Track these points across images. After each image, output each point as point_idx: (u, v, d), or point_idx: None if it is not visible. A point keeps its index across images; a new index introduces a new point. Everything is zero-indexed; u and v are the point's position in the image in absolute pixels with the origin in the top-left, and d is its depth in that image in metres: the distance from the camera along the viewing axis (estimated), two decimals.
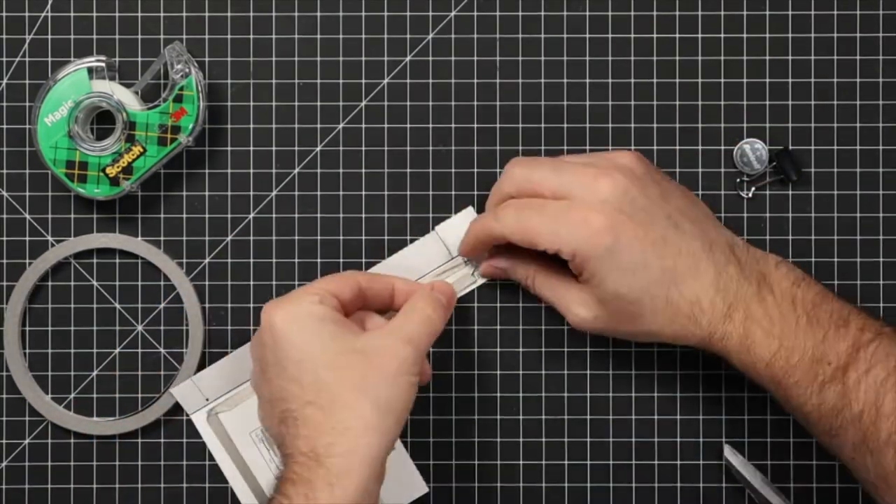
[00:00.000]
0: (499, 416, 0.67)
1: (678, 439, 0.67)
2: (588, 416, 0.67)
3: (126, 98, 0.64)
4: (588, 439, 0.67)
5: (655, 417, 0.67)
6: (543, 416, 0.67)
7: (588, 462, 0.67)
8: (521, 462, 0.67)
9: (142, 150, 0.64)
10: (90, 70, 0.64)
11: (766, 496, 0.65)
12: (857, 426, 0.56)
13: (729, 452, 0.65)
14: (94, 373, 0.67)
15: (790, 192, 0.67)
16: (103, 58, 0.65)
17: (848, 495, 0.67)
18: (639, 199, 0.58)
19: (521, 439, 0.67)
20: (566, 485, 0.67)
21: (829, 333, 0.58)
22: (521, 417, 0.67)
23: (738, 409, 0.67)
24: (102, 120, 0.66)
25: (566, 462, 0.67)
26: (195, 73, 0.64)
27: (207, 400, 0.66)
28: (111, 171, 0.64)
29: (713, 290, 0.58)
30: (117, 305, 0.67)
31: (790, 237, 0.67)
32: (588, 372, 0.67)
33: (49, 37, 0.67)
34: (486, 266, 0.65)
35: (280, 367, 0.57)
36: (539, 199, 0.60)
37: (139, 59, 0.67)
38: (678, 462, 0.67)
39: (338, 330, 0.57)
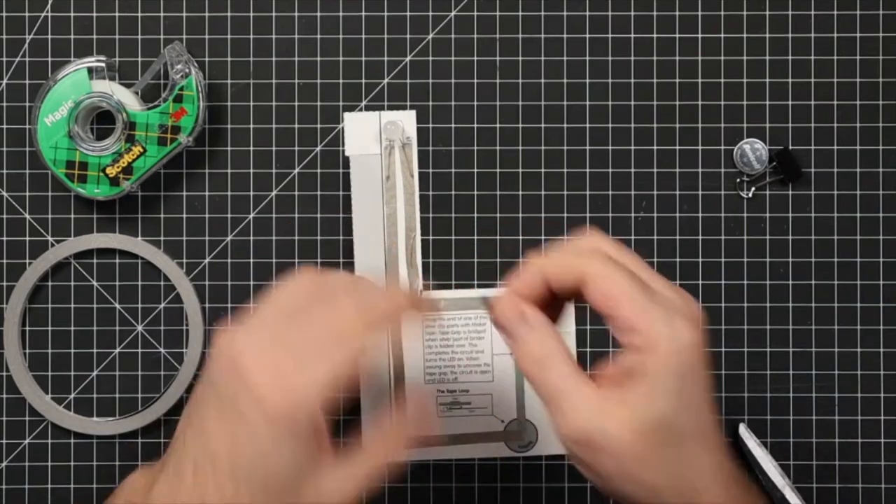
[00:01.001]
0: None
1: None
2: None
3: (126, 98, 0.64)
4: None
5: None
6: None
7: None
8: (520, 457, 0.67)
9: (142, 150, 0.64)
10: (90, 70, 0.64)
11: (774, 480, 0.64)
12: None
13: (744, 431, 0.66)
14: (94, 373, 0.67)
15: (790, 192, 0.67)
16: (103, 58, 0.65)
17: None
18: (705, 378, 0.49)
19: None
20: (566, 485, 0.67)
21: None
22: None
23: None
24: (102, 120, 0.66)
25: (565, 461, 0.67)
26: (195, 73, 0.64)
27: None
28: (111, 171, 0.64)
29: (725, 477, 0.48)
30: (117, 305, 0.67)
31: (790, 237, 0.67)
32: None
33: (49, 37, 0.67)
34: (507, 306, 0.50)
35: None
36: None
37: (139, 58, 0.67)
38: None
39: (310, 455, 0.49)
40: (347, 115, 0.66)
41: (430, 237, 0.67)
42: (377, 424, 0.55)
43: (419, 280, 0.66)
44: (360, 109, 0.67)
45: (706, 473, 0.48)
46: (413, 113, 0.66)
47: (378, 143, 0.66)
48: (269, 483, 0.48)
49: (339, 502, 0.49)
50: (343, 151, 0.66)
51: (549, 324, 0.49)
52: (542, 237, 0.67)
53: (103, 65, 0.64)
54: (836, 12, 0.67)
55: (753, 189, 0.67)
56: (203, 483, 0.48)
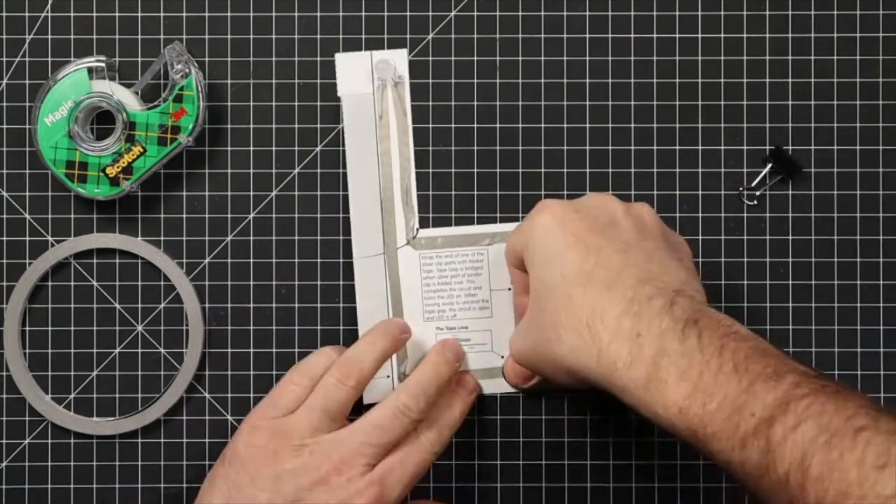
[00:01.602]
0: (499, 416, 0.67)
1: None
2: (588, 416, 0.67)
3: (126, 98, 0.64)
4: (588, 440, 0.67)
5: None
6: (543, 417, 0.67)
7: (588, 462, 0.67)
8: (520, 462, 0.67)
9: (142, 150, 0.64)
10: (90, 70, 0.64)
11: None
12: (784, 490, 0.47)
13: None
14: (95, 373, 0.67)
15: (790, 192, 0.67)
16: (103, 58, 0.65)
17: None
18: (616, 220, 0.58)
19: (520, 439, 0.67)
20: (566, 485, 0.67)
21: (756, 383, 0.49)
22: (520, 417, 0.67)
23: None
24: (102, 120, 0.66)
25: (566, 462, 0.67)
26: (195, 73, 0.64)
27: None
28: (111, 171, 0.64)
29: (621, 308, 0.53)
30: (117, 305, 0.67)
31: (790, 237, 0.67)
32: None
33: (49, 37, 0.67)
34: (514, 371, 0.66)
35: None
36: None
37: (139, 58, 0.67)
38: (678, 462, 0.67)
39: None
40: (339, 56, 0.66)
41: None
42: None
43: (415, 218, 0.67)
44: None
45: (583, 311, 0.54)
46: (404, 52, 0.67)
47: (370, 83, 0.66)
48: None
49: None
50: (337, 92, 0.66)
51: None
52: None
53: (103, 65, 0.64)
54: (836, 12, 0.67)
55: (756, 193, 0.67)
56: None
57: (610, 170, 0.67)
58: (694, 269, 0.58)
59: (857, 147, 0.67)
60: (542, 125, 0.67)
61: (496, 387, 0.67)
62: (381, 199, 0.66)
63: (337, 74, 0.66)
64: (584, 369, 0.54)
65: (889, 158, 0.67)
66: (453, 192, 0.67)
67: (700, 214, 0.67)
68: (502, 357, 0.66)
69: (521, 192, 0.67)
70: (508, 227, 0.66)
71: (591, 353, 0.53)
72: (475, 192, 0.67)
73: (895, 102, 0.67)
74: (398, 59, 0.66)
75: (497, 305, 0.66)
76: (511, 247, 0.61)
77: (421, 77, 0.67)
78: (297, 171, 0.67)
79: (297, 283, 0.67)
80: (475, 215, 0.67)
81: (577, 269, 0.55)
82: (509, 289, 0.66)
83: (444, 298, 0.66)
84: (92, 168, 0.64)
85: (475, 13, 0.67)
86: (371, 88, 0.66)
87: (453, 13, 0.67)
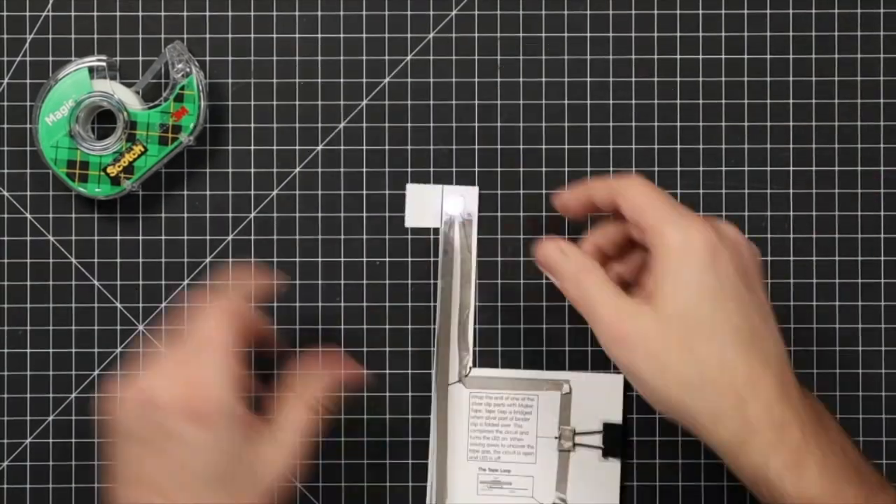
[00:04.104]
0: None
1: (679, 438, 0.67)
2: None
3: (127, 97, 0.64)
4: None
5: (657, 416, 0.67)
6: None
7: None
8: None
9: (143, 149, 0.64)
10: (91, 69, 0.64)
11: None
12: None
13: None
14: (96, 372, 0.67)
15: (790, 191, 0.67)
16: (104, 57, 0.65)
17: None
18: (748, 270, 0.54)
19: None
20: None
21: (870, 496, 0.50)
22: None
23: None
24: (103, 119, 0.66)
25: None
26: (196, 73, 0.64)
27: None
28: (112, 171, 0.64)
29: (773, 383, 0.51)
30: (118, 305, 0.67)
31: (791, 236, 0.67)
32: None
33: (50, 36, 0.67)
34: (547, 247, 0.56)
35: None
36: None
37: (140, 58, 0.67)
38: (679, 461, 0.67)
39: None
40: (409, 186, 0.66)
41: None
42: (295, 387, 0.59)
43: (469, 356, 0.66)
44: (361, 109, 0.67)
45: (739, 372, 0.50)
46: (476, 189, 0.66)
47: (438, 218, 0.66)
48: (219, 476, 0.54)
49: (281, 464, 0.55)
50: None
51: (583, 254, 0.56)
52: (543, 235, 0.67)
53: (104, 64, 0.64)
54: (836, 11, 0.67)
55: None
56: None
57: (611, 169, 0.67)
58: None
59: (858, 146, 0.67)
60: (543, 124, 0.67)
61: None
62: (438, 332, 0.66)
63: (406, 204, 0.66)
64: (712, 427, 0.51)
65: (889, 157, 0.67)
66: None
67: (700, 214, 0.67)
68: None
69: (521, 192, 0.67)
70: (561, 375, 0.66)
71: (728, 423, 0.51)
72: (475, 192, 0.67)
73: (895, 101, 0.67)
74: (469, 197, 0.66)
75: (542, 452, 0.66)
76: (614, 192, 0.55)
77: (421, 76, 0.67)
78: (297, 170, 0.67)
79: (297, 282, 0.67)
80: (478, 214, 0.67)
81: (731, 327, 0.51)
82: (556, 437, 0.65)
83: (490, 439, 0.66)
84: (93, 167, 0.64)
85: (476, 12, 0.67)
86: (438, 223, 0.66)
87: (454, 12, 0.67)
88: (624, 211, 0.55)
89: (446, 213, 0.66)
